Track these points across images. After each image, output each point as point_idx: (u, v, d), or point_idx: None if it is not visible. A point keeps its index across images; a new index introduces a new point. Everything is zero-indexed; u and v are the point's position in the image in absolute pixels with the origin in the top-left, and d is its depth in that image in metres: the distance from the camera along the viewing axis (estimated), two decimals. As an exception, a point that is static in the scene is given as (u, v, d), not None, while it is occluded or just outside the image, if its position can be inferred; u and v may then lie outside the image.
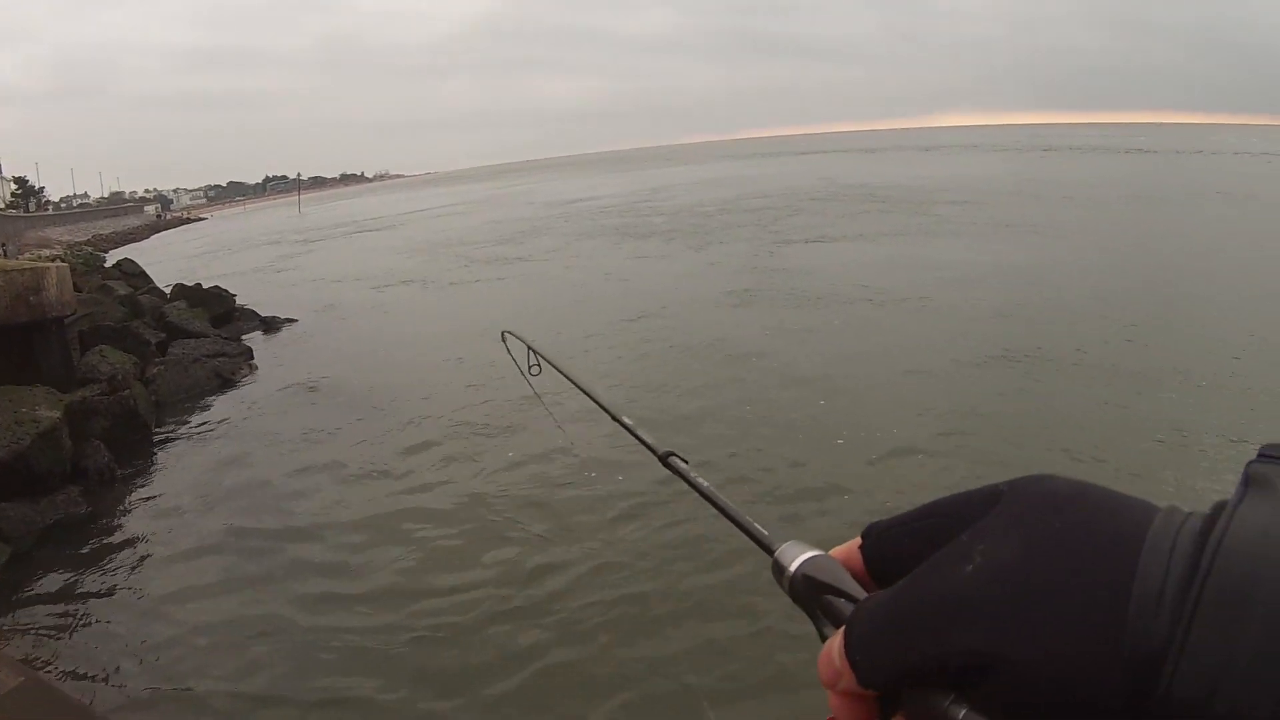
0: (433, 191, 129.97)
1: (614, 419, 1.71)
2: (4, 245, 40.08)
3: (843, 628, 0.65)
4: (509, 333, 3.40)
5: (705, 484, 1.15)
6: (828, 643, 0.66)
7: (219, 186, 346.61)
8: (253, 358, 18.80)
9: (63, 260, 21.21)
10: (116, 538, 10.26)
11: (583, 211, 53.21)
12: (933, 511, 0.69)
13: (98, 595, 8.73)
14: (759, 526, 0.93)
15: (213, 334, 20.26)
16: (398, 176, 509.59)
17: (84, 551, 9.91)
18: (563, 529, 8.91)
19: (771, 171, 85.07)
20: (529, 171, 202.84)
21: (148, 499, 11.44)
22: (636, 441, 1.44)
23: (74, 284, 16.04)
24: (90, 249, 62.36)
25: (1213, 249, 23.72)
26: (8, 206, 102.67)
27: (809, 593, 0.75)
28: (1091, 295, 17.62)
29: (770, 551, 0.83)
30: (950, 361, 13.56)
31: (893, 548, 0.72)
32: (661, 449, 1.36)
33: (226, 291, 24.81)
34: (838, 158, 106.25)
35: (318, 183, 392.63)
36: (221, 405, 15.52)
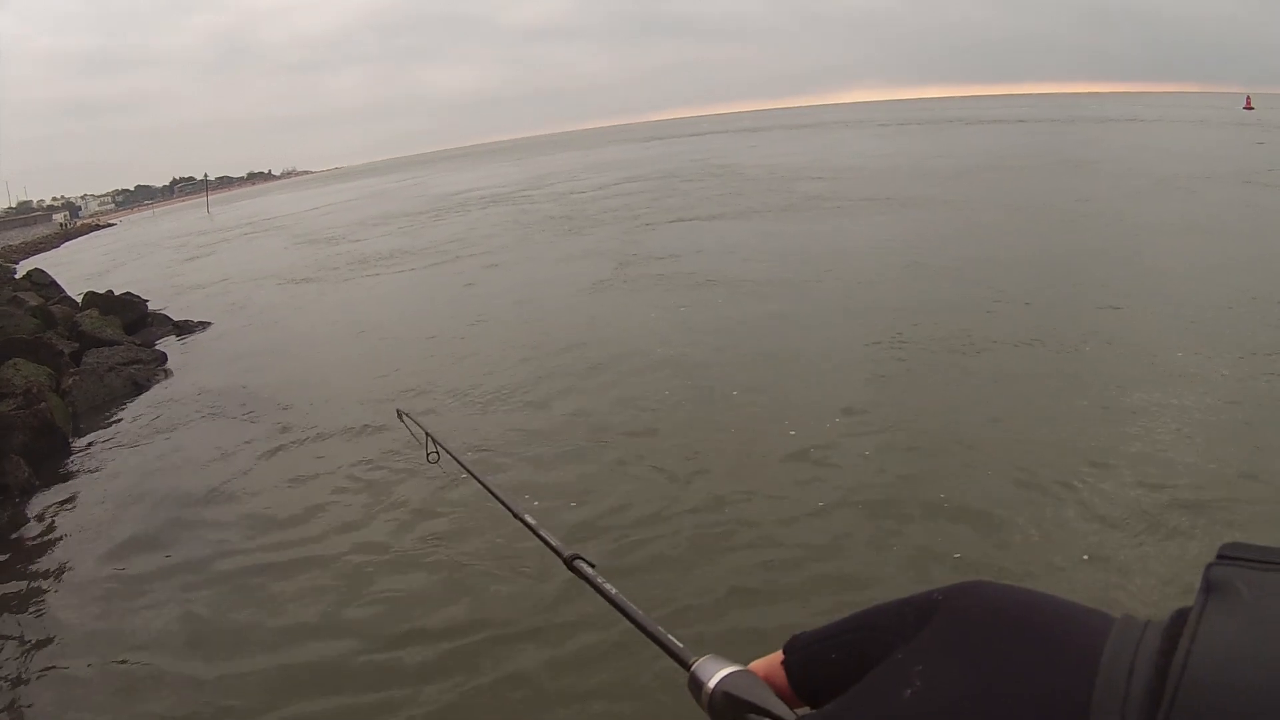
0: (337, 187, 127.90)
1: (516, 516, 1.70)
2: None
3: None
4: (405, 414, 3.52)
5: (614, 590, 1.15)
6: None
7: (127, 191, 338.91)
8: (166, 363, 18.69)
9: (-30, 274, 20.98)
10: (37, 552, 10.21)
11: (468, 202, 53.93)
12: (861, 624, 0.66)
13: (18, 613, 8.71)
14: (673, 639, 0.93)
15: (126, 341, 19.97)
16: (305, 173, 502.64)
17: (5, 569, 9.85)
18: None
19: (655, 154, 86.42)
20: (430, 163, 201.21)
21: (68, 511, 11.38)
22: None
23: (-17, 297, 15.89)
24: (1, 261, 61.17)
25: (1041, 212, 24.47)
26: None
27: (730, 712, 0.72)
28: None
29: (686, 666, 0.81)
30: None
31: (820, 662, 0.68)
32: (567, 551, 1.37)
33: (138, 297, 24.48)
34: (727, 138, 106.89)
35: (225, 183, 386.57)
36: (137, 412, 15.40)
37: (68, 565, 9.69)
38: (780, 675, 0.71)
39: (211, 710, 6.55)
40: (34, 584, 9.34)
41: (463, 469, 2.29)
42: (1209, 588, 0.50)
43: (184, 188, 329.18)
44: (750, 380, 12.18)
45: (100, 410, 15.72)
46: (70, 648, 7.83)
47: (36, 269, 32.32)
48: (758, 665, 0.74)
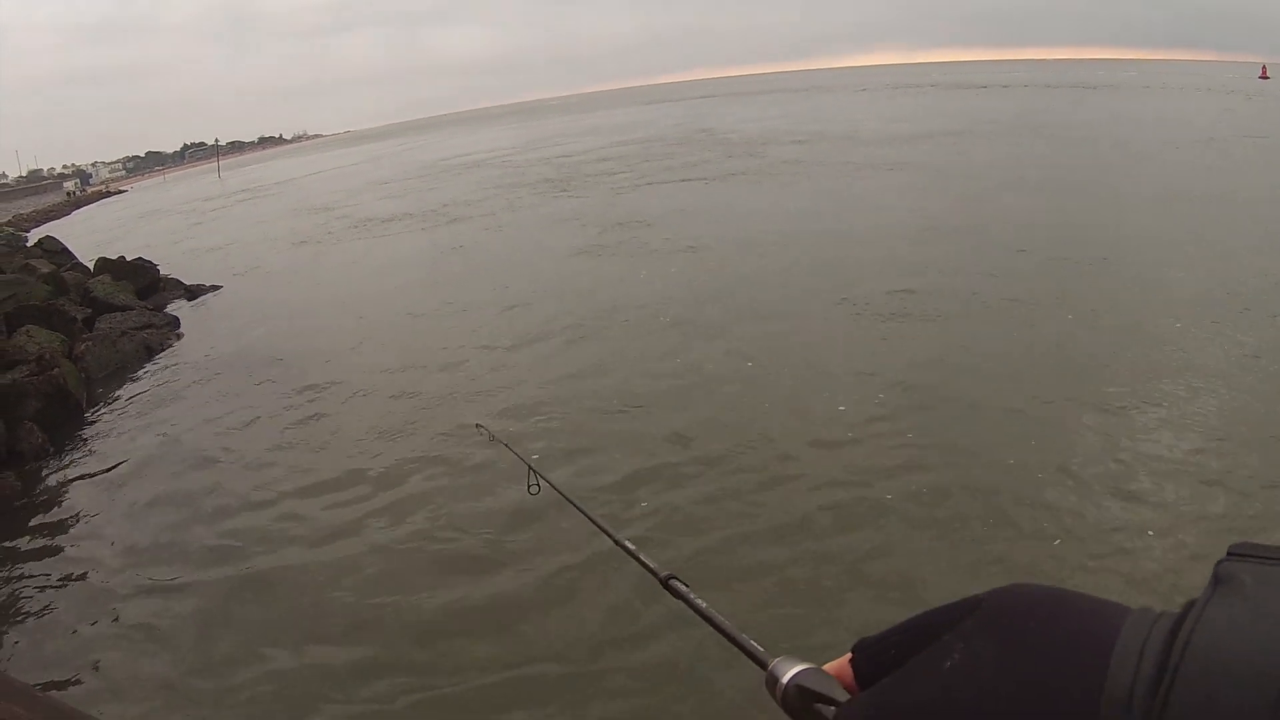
0: (343, 152, 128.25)
1: (616, 543, 1.78)
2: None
3: None
4: (503, 442, 3.51)
5: (703, 604, 1.23)
6: None
7: (137, 158, 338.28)
8: (179, 327, 18.81)
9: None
10: (54, 517, 10.30)
11: (457, 166, 55.10)
12: (917, 622, 0.72)
13: (36, 577, 8.81)
14: (754, 643, 1.04)
15: (138, 306, 20.07)
16: (318, 136, 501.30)
17: (21, 534, 9.94)
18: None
19: (654, 117, 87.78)
20: (437, 127, 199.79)
21: (82, 477, 11.43)
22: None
23: (-4, 266, 15.99)
24: (11, 229, 61.23)
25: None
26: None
27: (801, 703, 0.81)
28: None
29: (764, 666, 0.90)
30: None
31: (882, 658, 0.74)
32: (663, 572, 1.45)
33: (149, 263, 24.50)
34: (732, 102, 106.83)
35: (236, 148, 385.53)
36: (150, 377, 15.49)
37: (81, 531, 9.81)
38: (848, 673, 0.78)
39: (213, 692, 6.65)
40: (49, 549, 9.47)
41: (567, 500, 2.35)
42: (1217, 580, 0.56)
43: (195, 153, 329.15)
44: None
45: (114, 375, 15.77)
46: (82, 610, 7.97)
47: (48, 236, 32.40)
48: (830, 666, 0.81)
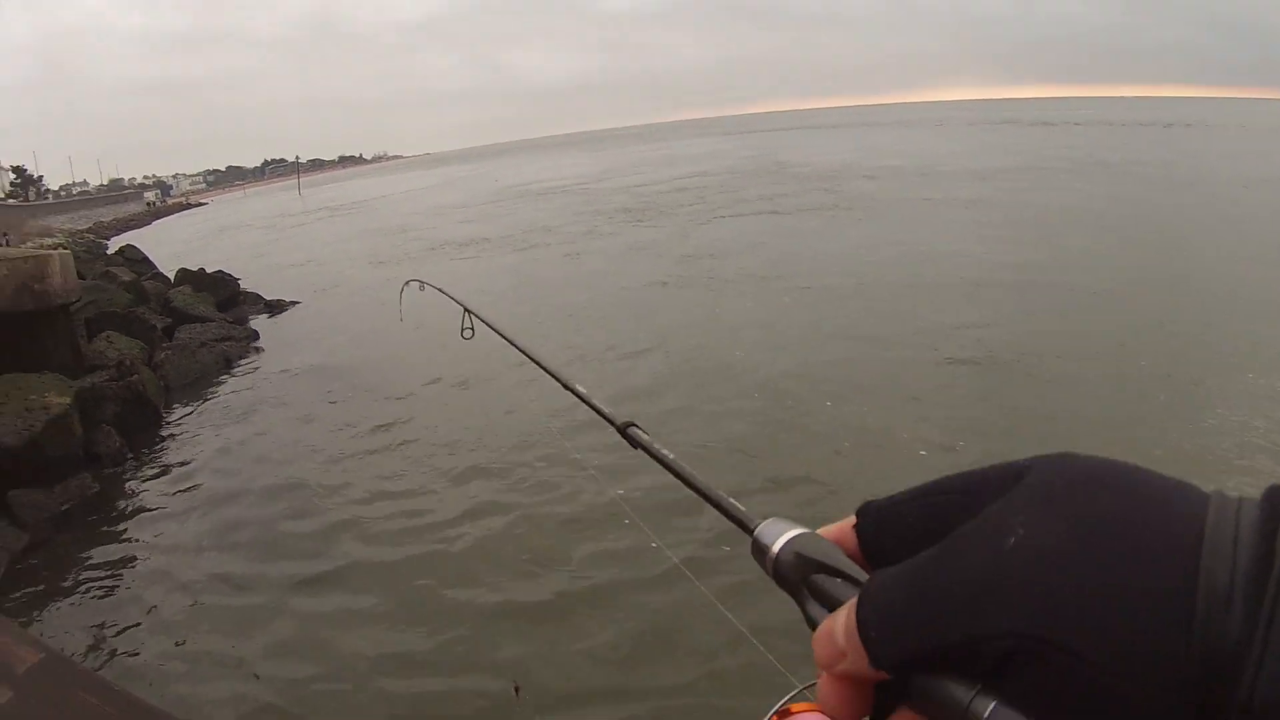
0: (421, 174, 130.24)
1: (566, 387, 1.73)
2: (5, 235, 40.12)
3: (851, 603, 0.60)
4: (422, 282, 3.42)
5: (671, 456, 1.11)
6: (829, 620, 0.61)
7: (218, 171, 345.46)
8: (258, 340, 19.26)
9: (65, 248, 21.48)
10: (130, 520, 10.62)
11: (534, 192, 55.39)
12: (940, 489, 0.64)
13: (113, 576, 9.10)
14: (735, 503, 0.89)
15: (218, 318, 20.65)
16: (397, 157, 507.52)
17: (99, 534, 10.27)
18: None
19: (729, 148, 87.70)
20: (514, 152, 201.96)
21: (159, 481, 11.79)
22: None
23: (78, 271, 16.26)
24: (92, 236, 62.68)
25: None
26: (7, 196, 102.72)
27: (797, 573, 0.70)
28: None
29: (749, 530, 0.78)
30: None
31: (895, 524, 0.66)
32: (620, 419, 1.34)
33: (230, 276, 25.12)
34: (806, 134, 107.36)
35: (317, 165, 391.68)
36: (228, 388, 15.91)
37: (154, 532, 10.13)
38: (851, 539, 0.69)
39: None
40: (122, 547, 9.82)
41: (502, 338, 2.33)
42: None
43: (275, 169, 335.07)
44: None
45: (192, 385, 16.22)
46: (152, 605, 8.24)
47: (129, 245, 33.23)
48: (826, 530, 0.71)
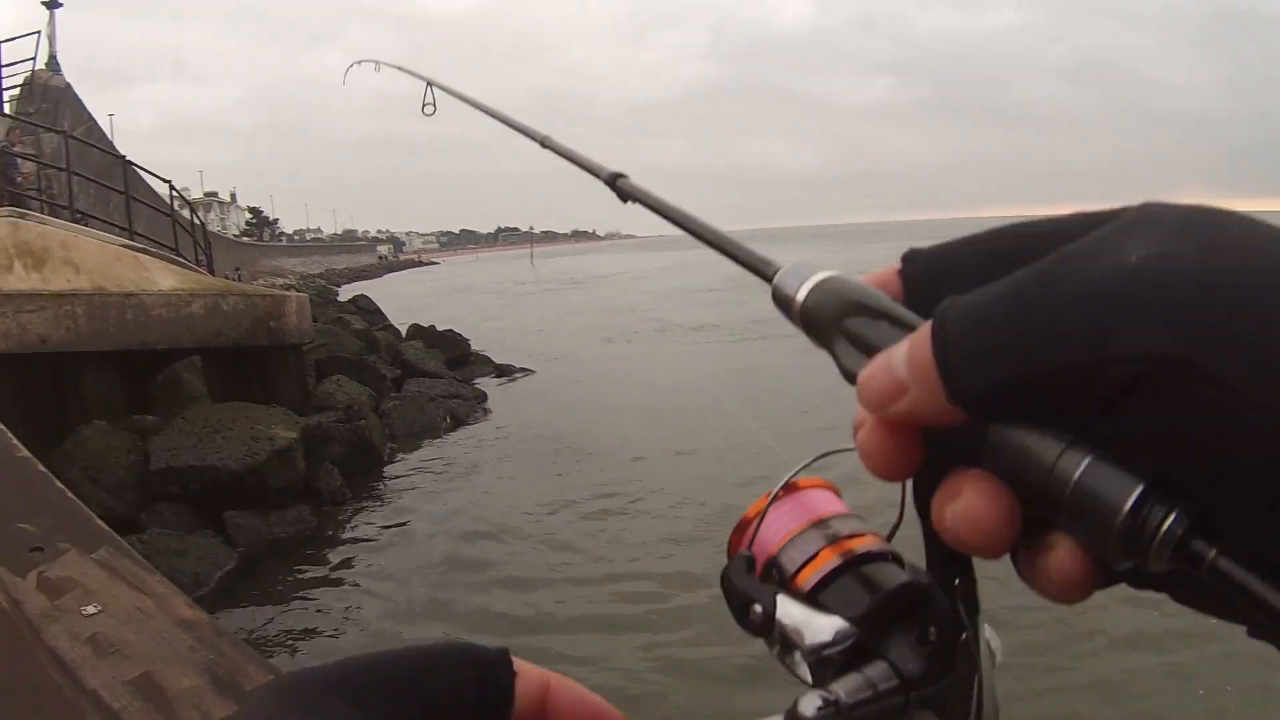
0: (651, 254, 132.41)
1: (528, 136, 1.82)
2: (238, 270, 41.98)
3: (922, 329, 0.47)
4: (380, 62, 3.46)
5: (670, 202, 1.02)
6: (885, 352, 0.49)
7: (451, 233, 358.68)
8: (486, 401, 19.62)
9: (296, 289, 22.19)
10: (341, 555, 11.11)
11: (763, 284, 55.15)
12: (1000, 234, 0.54)
13: (315, 605, 9.47)
14: (750, 248, 0.78)
15: (447, 375, 21.26)
16: (629, 236, 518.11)
17: (307, 565, 10.76)
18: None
19: None
20: (746, 240, 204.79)
21: (374, 525, 12.17)
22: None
23: (313, 315, 16.74)
24: (324, 282, 65.26)
25: None
26: (241, 234, 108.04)
27: (832, 315, 0.56)
28: None
29: (768, 277, 0.66)
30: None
31: (948, 272, 0.54)
32: (605, 172, 1.29)
33: (461, 336, 25.90)
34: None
35: (549, 237, 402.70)
36: (453, 446, 16.28)
37: (362, 573, 10.49)
38: (895, 284, 0.57)
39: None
40: (328, 582, 10.25)
41: (467, 101, 2.31)
42: None
43: (508, 236, 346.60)
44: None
45: (416, 437, 16.70)
46: (353, 642, 8.09)
47: (361, 295, 34.56)
48: (870, 278, 0.59)
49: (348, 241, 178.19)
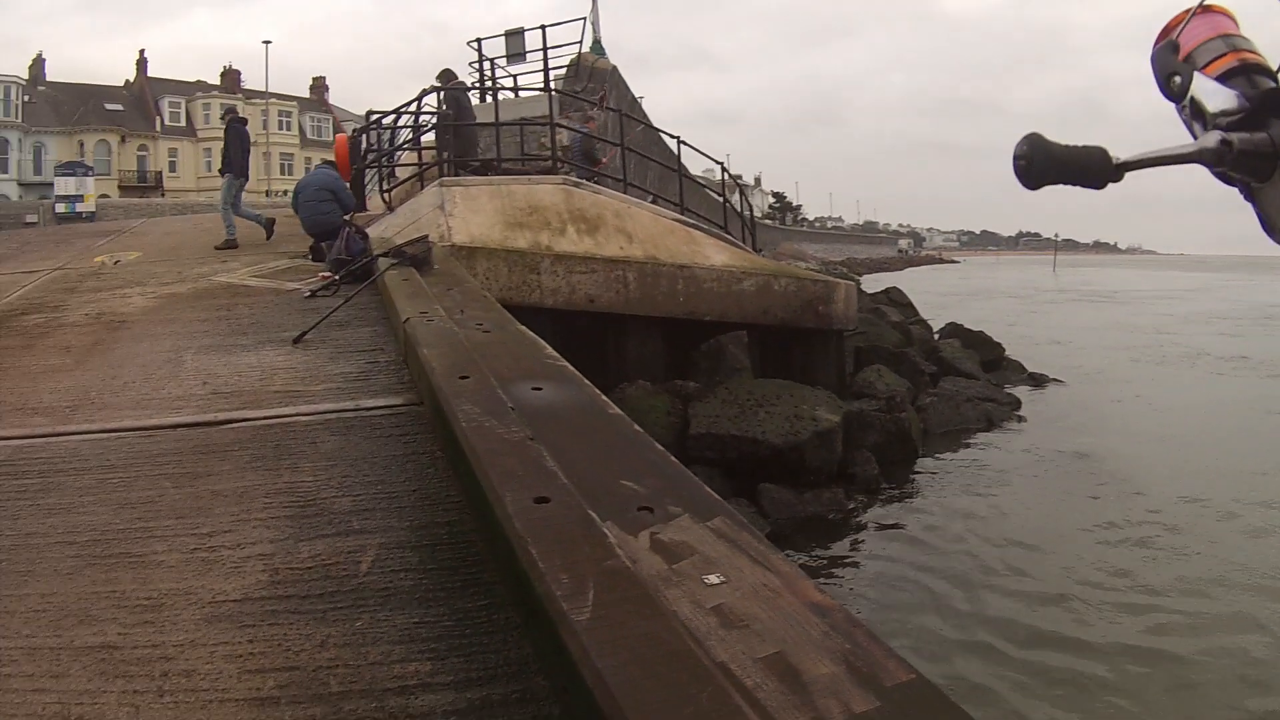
0: (1174, 274, 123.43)
1: None
2: (761, 251, 42.92)
3: None
4: None
5: None
6: None
7: (971, 233, 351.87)
8: (1019, 409, 19.23)
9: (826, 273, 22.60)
10: (866, 544, 11.36)
11: None
12: None
13: (833, 589, 9.48)
14: None
15: (982, 378, 20.99)
16: (1150, 253, 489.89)
17: (833, 547, 11.10)
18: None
19: None
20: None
21: (904, 518, 12.35)
22: None
23: (855, 303, 17.05)
24: (845, 270, 65.89)
25: None
26: (764, 216, 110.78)
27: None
28: None
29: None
30: None
31: None
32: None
33: (992, 339, 25.36)
34: None
35: (1070, 245, 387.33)
36: (985, 450, 16.15)
37: (890, 557, 10.79)
38: None
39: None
40: (853, 564, 10.60)
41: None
42: None
43: (1028, 241, 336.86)
44: None
45: (949, 435, 16.76)
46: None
47: (894, 287, 34.59)
48: None
49: (868, 232, 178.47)
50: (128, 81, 71.75)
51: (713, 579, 2.23)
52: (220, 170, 14.87)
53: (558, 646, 2.03)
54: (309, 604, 2.58)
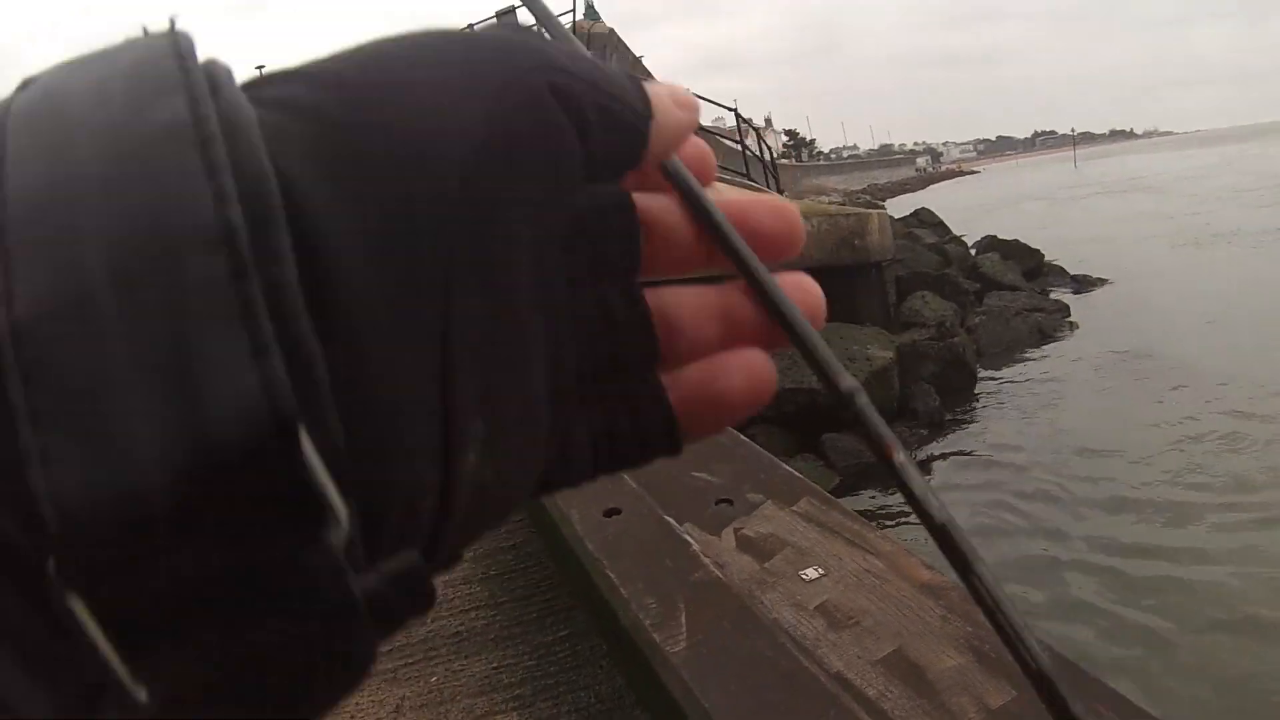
0: (1194, 152, 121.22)
1: None
2: (782, 192, 42.72)
3: None
4: None
5: None
6: None
7: (987, 140, 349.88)
8: (1069, 315, 18.83)
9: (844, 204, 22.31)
10: (943, 478, 11.03)
11: None
12: None
13: (920, 530, 9.22)
14: None
15: (1026, 288, 20.65)
16: (1168, 133, 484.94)
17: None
18: None
19: None
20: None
21: (975, 445, 12.13)
22: None
23: (889, 231, 16.82)
24: (868, 197, 65.36)
25: None
26: (780, 157, 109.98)
27: None
28: None
29: None
30: None
31: None
32: None
33: (1033, 247, 24.85)
34: None
35: (1087, 139, 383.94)
36: (1042, 363, 15.83)
37: (971, 495, 10.43)
38: None
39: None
40: (947, 503, 9.94)
41: None
42: None
43: (1045, 140, 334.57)
44: None
45: (1003, 353, 16.35)
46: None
47: (923, 208, 34.12)
48: None
49: (885, 156, 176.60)
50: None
51: (810, 573, 2.14)
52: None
53: (654, 681, 1.94)
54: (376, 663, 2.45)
